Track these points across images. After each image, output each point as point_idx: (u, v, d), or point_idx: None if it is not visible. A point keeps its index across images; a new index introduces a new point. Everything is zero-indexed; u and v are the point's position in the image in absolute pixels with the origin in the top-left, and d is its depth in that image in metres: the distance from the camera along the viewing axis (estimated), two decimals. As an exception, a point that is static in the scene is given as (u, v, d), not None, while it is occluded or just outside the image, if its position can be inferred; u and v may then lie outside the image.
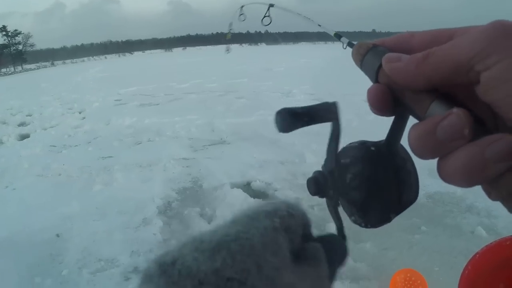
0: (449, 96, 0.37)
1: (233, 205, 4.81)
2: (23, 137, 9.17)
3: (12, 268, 3.82)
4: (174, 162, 6.61)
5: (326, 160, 0.48)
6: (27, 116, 11.58)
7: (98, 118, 10.40)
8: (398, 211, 0.44)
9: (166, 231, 4.48)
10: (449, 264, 3.55)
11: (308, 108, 0.45)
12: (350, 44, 0.56)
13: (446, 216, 4.54)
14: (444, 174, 0.36)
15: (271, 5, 2.23)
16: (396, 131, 0.44)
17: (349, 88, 13.63)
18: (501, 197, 0.33)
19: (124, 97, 14.39)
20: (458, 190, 5.10)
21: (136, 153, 7.28)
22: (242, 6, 3.05)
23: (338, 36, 0.72)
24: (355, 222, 0.46)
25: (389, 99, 0.41)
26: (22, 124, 10.60)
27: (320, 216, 4.65)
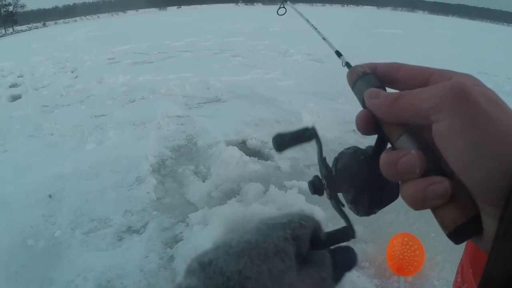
0: (416, 131, 0.46)
1: (228, 163, 4.71)
2: (15, 98, 8.97)
3: (4, 230, 3.77)
4: (168, 119, 6.46)
5: (320, 168, 0.60)
6: (18, 77, 11.30)
7: (90, 77, 10.14)
8: (381, 207, 0.55)
9: (159, 190, 4.40)
10: (445, 230, 3.48)
11: (294, 133, 0.61)
12: (347, 65, 0.63)
13: None
14: (402, 195, 0.46)
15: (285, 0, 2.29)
16: (379, 146, 0.52)
17: (347, 50, 13.34)
18: (438, 221, 0.43)
19: (117, 55, 14.05)
20: None
21: (129, 111, 7.12)
22: None
23: (338, 53, 0.81)
24: (350, 209, 0.56)
25: (373, 124, 0.50)
26: (13, 86, 10.35)
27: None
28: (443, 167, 0.43)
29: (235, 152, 4.92)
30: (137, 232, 3.67)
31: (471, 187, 0.39)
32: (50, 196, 4.35)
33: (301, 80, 9.13)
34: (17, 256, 3.40)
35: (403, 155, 0.43)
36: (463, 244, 3.56)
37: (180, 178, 4.65)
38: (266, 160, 4.96)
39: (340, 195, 0.57)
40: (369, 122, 0.49)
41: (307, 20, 1.51)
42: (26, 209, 4.12)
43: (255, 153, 5.25)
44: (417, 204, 0.43)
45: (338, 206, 0.57)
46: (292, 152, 5.16)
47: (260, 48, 14.46)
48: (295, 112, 6.68)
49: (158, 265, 3.17)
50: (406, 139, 0.45)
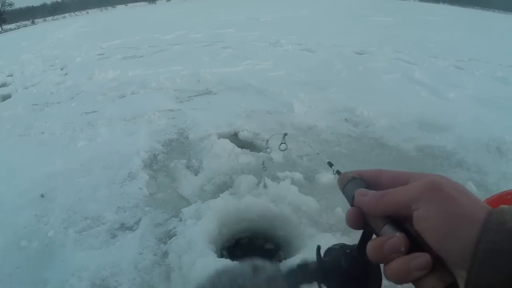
0: (397, 222, 0.54)
1: (220, 155, 4.69)
2: (4, 97, 8.88)
3: (-3, 232, 3.73)
4: (159, 114, 6.42)
5: (314, 260, 0.65)
6: (7, 76, 11.18)
7: (80, 73, 10.06)
8: None
9: (152, 185, 4.38)
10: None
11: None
12: (338, 172, 0.75)
13: (436, 169, 4.49)
14: (386, 275, 0.52)
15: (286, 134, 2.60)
16: (364, 240, 0.60)
17: (339, 39, 13.36)
18: None
19: (107, 50, 13.91)
20: (448, 145, 5.06)
21: (120, 107, 7.07)
22: None
23: (330, 164, 0.91)
24: None
25: (361, 219, 0.59)
26: (3, 85, 10.24)
27: (308, 166, 4.58)
28: (422, 247, 0.50)
29: (227, 144, 4.89)
30: (130, 228, 3.65)
31: (448, 258, 0.48)
32: (42, 195, 4.32)
33: (292, 70, 9.09)
34: (11, 258, 3.37)
35: (389, 238, 0.52)
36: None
37: (172, 172, 4.62)
38: (258, 152, 4.94)
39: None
40: (358, 218, 0.59)
41: (304, 141, 1.73)
42: (19, 209, 4.08)
43: (247, 145, 5.23)
44: (403, 277, 0.50)
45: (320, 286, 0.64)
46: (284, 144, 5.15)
47: (251, 39, 14.37)
48: (286, 102, 6.65)
49: (152, 262, 3.16)
50: (389, 227, 0.54)
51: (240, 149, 4.89)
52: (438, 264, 0.48)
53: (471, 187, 3.99)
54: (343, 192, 0.65)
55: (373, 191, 0.59)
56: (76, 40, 17.75)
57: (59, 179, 4.62)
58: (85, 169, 4.77)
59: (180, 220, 3.61)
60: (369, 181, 0.63)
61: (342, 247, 0.64)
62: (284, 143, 3.10)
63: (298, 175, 4.26)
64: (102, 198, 4.15)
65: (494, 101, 6.74)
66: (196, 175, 4.46)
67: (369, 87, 7.66)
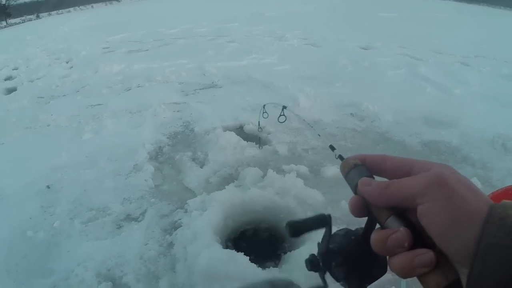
0: (402, 214, 0.54)
1: (225, 148, 4.69)
2: (10, 91, 8.89)
3: (4, 223, 3.76)
4: (164, 107, 6.42)
5: (319, 247, 0.67)
6: (13, 69, 11.18)
7: (86, 67, 10.06)
8: (371, 282, 0.63)
9: (157, 177, 4.39)
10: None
11: (309, 221, 0.65)
12: (340, 157, 0.73)
13: None
14: (390, 267, 0.53)
15: (285, 107, 2.51)
16: (369, 228, 0.60)
17: (344, 34, 13.29)
18: (423, 286, 0.50)
19: (112, 44, 13.89)
20: (453, 140, 5.03)
21: (125, 100, 7.07)
22: None
23: (332, 147, 0.86)
24: (343, 285, 0.64)
25: (364, 208, 0.58)
26: (8, 78, 10.25)
27: (313, 160, 4.57)
28: (426, 241, 0.50)
29: (233, 137, 4.89)
30: (136, 220, 3.66)
31: (451, 255, 0.48)
32: (48, 187, 4.33)
33: (298, 65, 9.06)
34: (17, 248, 3.39)
35: (393, 232, 0.52)
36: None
37: (177, 164, 4.63)
38: (263, 145, 4.94)
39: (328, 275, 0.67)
40: (361, 207, 0.58)
41: (304, 119, 1.65)
42: (25, 201, 4.11)
43: (252, 138, 5.22)
44: (406, 273, 0.50)
45: (323, 276, 0.68)
46: (290, 136, 5.15)
47: (256, 33, 14.32)
48: (292, 96, 6.63)
49: (158, 252, 3.16)
50: (394, 220, 0.54)
51: (245, 142, 4.89)
52: (442, 260, 0.49)
53: (476, 183, 3.94)
54: (346, 179, 0.64)
55: (377, 181, 0.58)
56: (81, 34, 17.75)
57: (65, 171, 4.63)
58: (90, 161, 4.78)
59: (186, 211, 3.62)
60: (372, 167, 0.63)
61: (347, 233, 0.65)
62: (283, 115, 3.11)
63: (303, 168, 4.26)
64: (108, 190, 4.16)
65: (500, 98, 6.70)
66: (201, 167, 4.46)
67: (374, 82, 7.63)
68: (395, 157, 0.62)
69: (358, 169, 0.62)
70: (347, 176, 0.63)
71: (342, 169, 0.65)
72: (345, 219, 3.38)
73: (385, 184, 0.55)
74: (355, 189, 0.60)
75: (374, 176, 0.62)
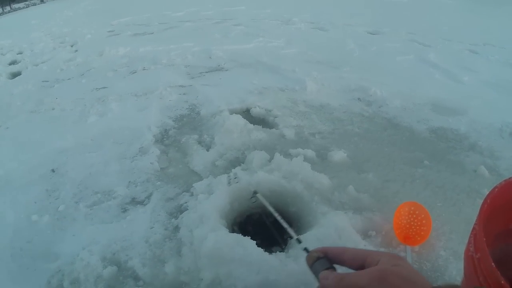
0: None
1: (232, 131, 4.63)
2: (15, 75, 8.85)
3: (8, 207, 3.75)
4: (170, 89, 6.36)
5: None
6: (17, 54, 11.09)
7: (91, 50, 9.97)
8: None
9: (163, 160, 4.34)
10: (452, 200, 3.43)
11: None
12: (306, 250, 0.86)
13: (449, 152, 4.39)
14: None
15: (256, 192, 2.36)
16: None
17: (351, 19, 13.11)
18: None
19: (117, 27, 13.75)
20: (461, 128, 4.95)
21: (131, 82, 7.02)
22: None
23: (298, 241, 1.15)
24: None
25: None
26: (13, 63, 10.18)
27: (320, 144, 4.52)
28: None
29: (239, 120, 4.83)
30: (141, 203, 3.63)
31: None
32: (53, 170, 4.30)
33: (305, 49, 8.95)
34: (22, 233, 3.38)
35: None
36: (471, 215, 3.50)
37: (183, 147, 4.58)
38: (270, 128, 4.88)
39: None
40: None
41: (272, 208, 1.88)
42: (30, 185, 4.08)
43: (259, 121, 5.16)
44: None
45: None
46: (297, 120, 5.08)
47: (263, 16, 14.14)
48: (299, 80, 6.55)
49: (163, 236, 3.13)
50: None
51: (252, 125, 4.82)
52: None
53: (483, 172, 3.91)
54: (311, 270, 0.79)
55: (333, 274, 0.74)
56: (85, 18, 17.59)
57: (70, 154, 4.60)
58: (96, 144, 4.75)
59: (192, 194, 3.58)
60: (333, 258, 0.79)
61: None
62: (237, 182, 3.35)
63: (310, 152, 4.20)
64: (113, 173, 4.13)
65: (509, 86, 6.57)
66: (207, 150, 4.41)
67: (382, 68, 7.52)
68: (352, 249, 0.78)
69: (320, 262, 0.78)
70: (312, 267, 0.79)
71: (307, 261, 0.80)
72: (352, 204, 3.33)
73: (339, 277, 0.71)
74: (318, 279, 0.75)
75: (334, 265, 0.78)
